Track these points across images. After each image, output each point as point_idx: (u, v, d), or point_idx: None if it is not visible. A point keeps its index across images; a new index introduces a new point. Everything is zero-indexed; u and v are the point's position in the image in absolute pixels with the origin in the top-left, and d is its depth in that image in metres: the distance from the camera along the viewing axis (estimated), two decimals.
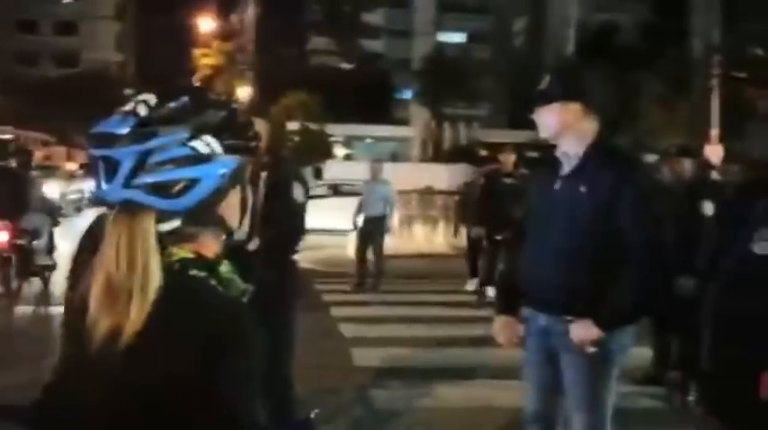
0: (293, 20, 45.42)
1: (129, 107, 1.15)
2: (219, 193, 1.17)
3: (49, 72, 48.78)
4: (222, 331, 1.11)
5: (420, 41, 43.11)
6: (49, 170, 22.71)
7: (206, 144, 1.14)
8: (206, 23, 34.20)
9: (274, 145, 3.56)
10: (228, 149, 1.17)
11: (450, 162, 26.89)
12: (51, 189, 19.83)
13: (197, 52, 37.03)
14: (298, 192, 3.23)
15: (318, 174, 23.43)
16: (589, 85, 2.84)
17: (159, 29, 51.31)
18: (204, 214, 1.17)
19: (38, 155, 28.37)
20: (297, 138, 31.21)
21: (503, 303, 2.99)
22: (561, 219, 2.70)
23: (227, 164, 1.16)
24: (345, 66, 44.00)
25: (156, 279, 1.10)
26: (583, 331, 2.63)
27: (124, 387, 1.10)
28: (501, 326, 2.92)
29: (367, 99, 36.46)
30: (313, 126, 31.14)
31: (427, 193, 17.20)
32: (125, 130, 1.12)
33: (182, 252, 1.16)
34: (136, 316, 1.09)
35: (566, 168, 2.75)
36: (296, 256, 3.46)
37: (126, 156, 1.11)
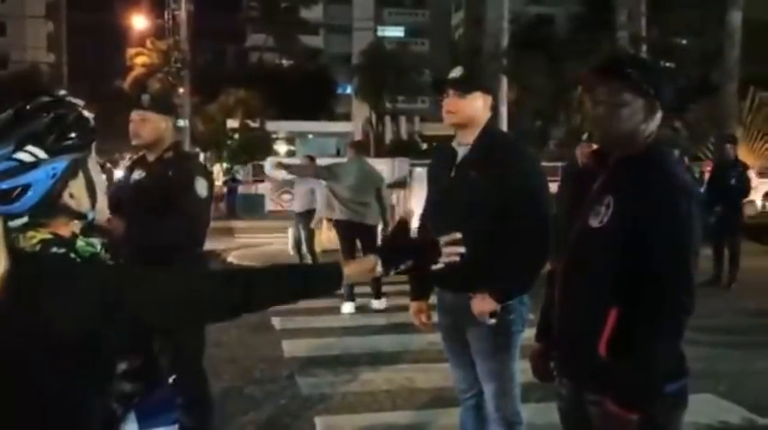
0: (230, 16, 44.95)
1: None
2: (56, 189, 1.32)
3: None
4: (94, 295, 1.23)
5: (359, 36, 43.18)
6: None
7: (30, 154, 1.29)
8: (139, 21, 33.49)
9: (177, 141, 3.66)
10: (59, 150, 1.32)
11: (391, 156, 27.07)
12: None
13: (131, 51, 36.25)
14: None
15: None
16: (490, 79, 3.09)
17: (91, 28, 50.02)
18: (49, 207, 1.32)
19: None
20: (236, 136, 30.90)
21: (415, 290, 3.19)
22: (457, 204, 2.88)
23: (56, 166, 1.32)
24: (285, 62, 43.76)
25: (1, 264, 1.22)
26: (481, 304, 2.81)
27: None
28: (415, 311, 3.15)
29: (308, 95, 36.35)
30: (253, 123, 30.88)
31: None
32: None
33: (40, 235, 1.31)
34: None
35: (460, 156, 2.94)
36: (202, 249, 3.51)
37: None
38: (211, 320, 1.59)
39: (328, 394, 4.90)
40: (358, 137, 37.63)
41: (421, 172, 14.60)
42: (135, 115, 3.43)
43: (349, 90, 42.76)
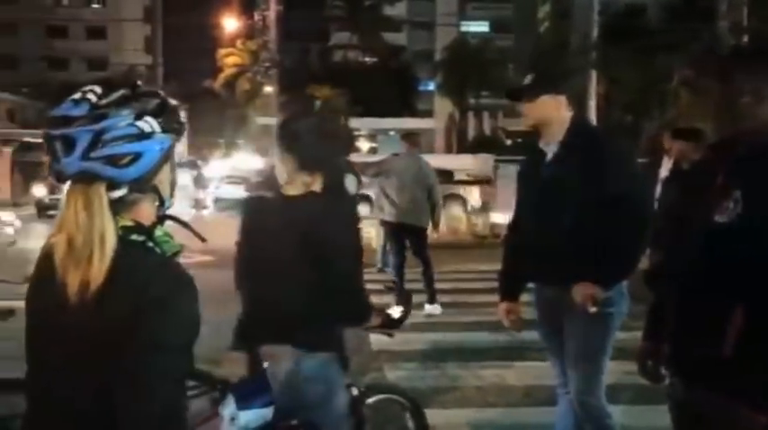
0: (316, 16, 45.67)
1: (78, 95, 1.35)
2: (158, 165, 1.39)
3: (79, 76, 49.73)
4: (151, 287, 1.29)
5: (443, 32, 42.99)
6: None
7: (148, 124, 1.37)
8: (230, 23, 34.52)
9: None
10: (166, 129, 1.40)
11: (474, 152, 26.86)
12: None
13: (222, 52, 37.40)
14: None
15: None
16: (570, 77, 3.11)
17: (185, 30, 51.96)
18: (144, 183, 1.38)
19: None
20: (288, 134, 31.32)
21: (505, 289, 3.24)
22: (553, 201, 2.97)
23: (163, 141, 1.39)
24: (368, 59, 44.12)
25: (112, 238, 1.31)
26: (583, 289, 2.84)
27: (88, 333, 1.29)
28: (504, 311, 3.21)
29: (390, 92, 36.52)
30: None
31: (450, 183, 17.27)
32: (81, 112, 1.33)
33: (122, 221, 1.37)
34: (98, 271, 1.29)
35: (549, 154, 3.02)
36: None
37: (82, 134, 1.32)
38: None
39: (418, 388, 4.90)
40: (440, 133, 37.62)
41: (506, 168, 14.44)
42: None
43: (431, 86, 42.67)
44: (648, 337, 2.16)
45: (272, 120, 28.00)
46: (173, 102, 1.46)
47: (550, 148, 3.02)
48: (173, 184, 1.47)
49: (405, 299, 2.98)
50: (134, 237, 1.36)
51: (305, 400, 2.45)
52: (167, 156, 1.41)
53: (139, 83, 1.46)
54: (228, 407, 2.21)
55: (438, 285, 7.52)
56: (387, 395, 3.22)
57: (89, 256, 1.29)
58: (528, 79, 3.10)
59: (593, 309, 2.84)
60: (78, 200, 1.33)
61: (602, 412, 2.99)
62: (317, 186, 2.50)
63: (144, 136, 1.36)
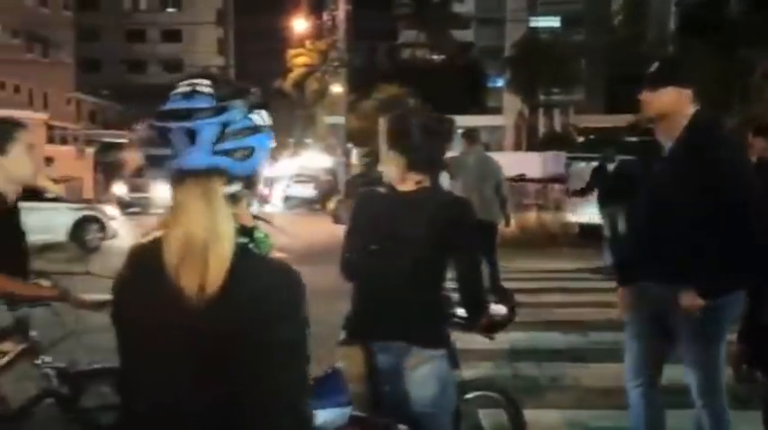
0: (384, 15, 45.85)
1: (186, 89, 1.29)
2: (263, 161, 1.34)
3: (156, 78, 51.53)
4: (273, 292, 1.24)
5: (512, 28, 42.40)
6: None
7: (259, 116, 1.32)
8: (299, 24, 35.05)
9: None
10: (269, 124, 1.35)
11: (545, 150, 26.41)
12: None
13: (291, 52, 38.00)
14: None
15: None
16: (692, 70, 3.01)
17: (256, 32, 53.03)
18: (253, 179, 1.33)
19: None
20: (395, 131, 31.43)
21: (623, 275, 3.22)
22: (665, 197, 2.91)
23: (269, 136, 1.34)
24: (436, 57, 43.96)
25: (231, 239, 1.24)
26: (688, 299, 2.82)
27: (200, 336, 1.22)
28: (622, 297, 3.19)
29: (459, 89, 36.30)
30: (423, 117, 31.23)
31: (521, 182, 17.02)
32: (204, 104, 1.26)
33: None
34: (217, 273, 1.21)
35: (666, 149, 2.95)
36: None
37: (206, 127, 1.25)
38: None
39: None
40: (509, 130, 37.14)
41: (578, 166, 14.13)
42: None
43: (500, 83, 42.17)
44: (743, 340, 2.10)
45: (340, 120, 28.28)
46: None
47: (668, 143, 2.93)
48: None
49: (507, 299, 2.94)
50: (239, 239, 1.28)
51: (415, 397, 2.46)
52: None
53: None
54: None
55: (508, 284, 7.44)
56: (484, 392, 3.21)
57: (208, 257, 1.22)
58: (653, 67, 2.97)
59: (698, 315, 2.82)
60: (197, 196, 1.25)
61: (725, 414, 2.95)
62: (427, 183, 2.51)
63: (257, 129, 1.31)
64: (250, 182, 1.32)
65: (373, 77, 34.48)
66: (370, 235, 2.53)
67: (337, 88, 29.03)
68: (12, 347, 2.87)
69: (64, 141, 31.86)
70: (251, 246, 1.30)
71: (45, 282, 2.94)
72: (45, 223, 11.80)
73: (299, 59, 37.09)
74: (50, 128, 27.55)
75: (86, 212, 13.78)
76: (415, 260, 2.41)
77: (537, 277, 9.62)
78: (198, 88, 1.29)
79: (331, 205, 21.60)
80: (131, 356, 1.33)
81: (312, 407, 2.24)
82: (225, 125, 1.26)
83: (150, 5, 57.63)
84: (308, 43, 36.28)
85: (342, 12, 28.15)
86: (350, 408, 2.37)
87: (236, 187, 1.29)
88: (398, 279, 2.42)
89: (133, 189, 23.62)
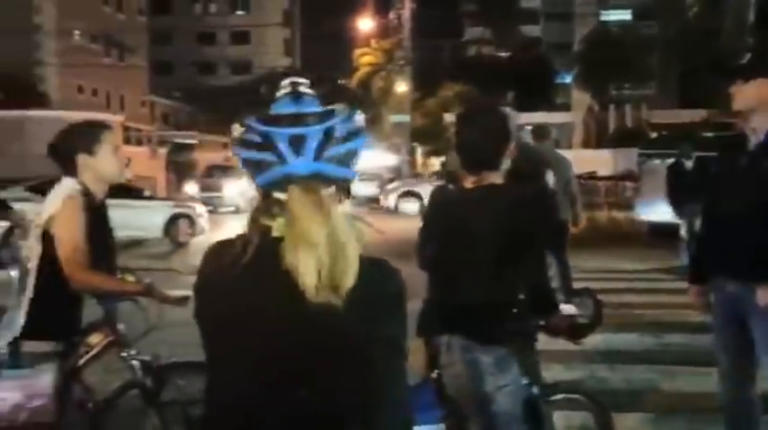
0: (449, 12, 45.65)
1: (288, 90, 1.26)
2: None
3: (226, 80, 52.77)
4: (386, 289, 1.26)
5: (581, 23, 41.56)
6: (229, 170, 24.68)
7: (359, 119, 1.28)
8: (365, 23, 35.27)
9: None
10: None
11: (615, 146, 25.75)
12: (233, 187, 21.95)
13: (357, 52, 38.29)
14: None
15: None
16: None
17: (322, 32, 53.65)
18: (351, 181, 1.30)
19: (218, 156, 31.04)
20: (454, 130, 31.34)
21: (695, 273, 3.18)
22: (748, 193, 2.83)
23: (363, 139, 1.28)
24: (502, 54, 43.50)
25: (355, 244, 1.21)
26: (766, 296, 2.75)
27: (305, 334, 1.22)
28: (695, 294, 3.17)
29: (526, 86, 35.81)
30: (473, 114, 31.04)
31: (591, 179, 16.68)
32: (312, 109, 1.23)
33: None
34: (350, 276, 1.19)
35: (752, 143, 2.87)
36: None
37: (315, 133, 1.22)
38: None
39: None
40: (578, 127, 36.38)
41: (651, 163, 13.69)
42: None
43: (568, 79, 41.38)
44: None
45: (405, 118, 28.34)
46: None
47: (755, 137, 2.86)
48: None
49: (591, 301, 2.85)
50: None
51: (478, 394, 2.45)
52: None
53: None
54: None
55: (579, 284, 7.27)
56: (569, 394, 3.15)
57: (336, 261, 1.19)
58: (744, 59, 2.93)
59: None
60: (310, 202, 1.21)
61: None
62: (497, 179, 2.50)
63: (358, 132, 1.26)
64: (345, 182, 1.29)
65: (438, 75, 34.40)
66: (441, 231, 2.56)
67: (402, 87, 29.08)
68: (99, 340, 3.00)
69: (138, 142, 33.02)
70: None
71: (130, 278, 3.05)
72: (141, 220, 12.43)
73: (365, 59, 37.33)
74: (126, 129, 28.61)
75: (178, 209, 14.44)
76: (478, 258, 2.40)
77: (608, 277, 9.40)
78: (301, 89, 1.26)
79: (389, 201, 21.72)
80: (219, 352, 1.31)
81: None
82: (330, 130, 1.23)
83: (220, 8, 59.08)
84: (373, 42, 36.48)
85: (407, 10, 28.17)
86: (443, 426, 2.35)
87: (331, 189, 1.26)
88: (463, 275, 2.42)
89: (204, 188, 24.31)
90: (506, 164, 2.53)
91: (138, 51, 42.71)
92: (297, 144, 1.22)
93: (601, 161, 19.61)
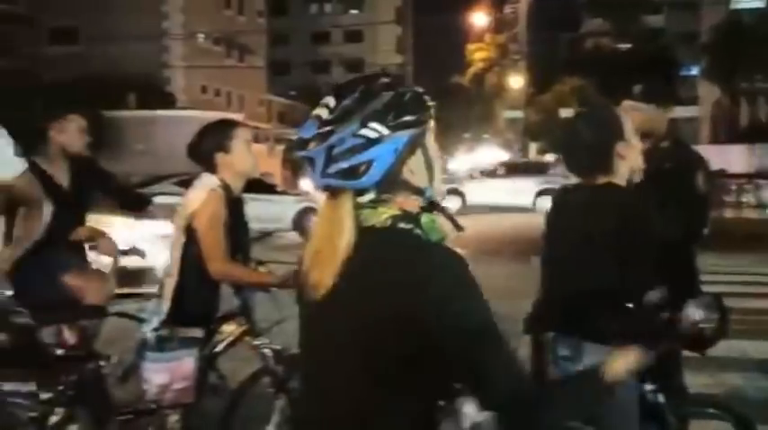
0: (568, 3, 44.35)
1: (317, 111, 1.41)
2: (397, 164, 1.38)
3: (339, 78, 53.79)
4: (428, 270, 1.32)
5: (709, 12, 39.24)
6: None
7: (373, 130, 1.36)
8: (479, 18, 34.94)
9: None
10: (398, 126, 1.38)
11: (747, 142, 24.16)
12: None
13: (470, 47, 38.00)
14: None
15: None
16: None
17: (434, 28, 53.66)
18: (389, 183, 1.39)
19: None
20: (564, 131, 30.46)
21: None
22: None
23: (396, 142, 1.37)
24: (622, 45, 41.80)
25: (346, 239, 1.37)
26: None
27: (335, 323, 1.37)
28: None
29: (647, 80, 34.20)
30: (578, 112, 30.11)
31: (720, 177, 15.75)
32: (312, 133, 1.39)
33: (390, 210, 1.40)
34: (331, 266, 1.37)
35: None
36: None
37: (317, 154, 1.39)
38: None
39: None
40: (706, 122, 34.43)
41: None
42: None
43: (694, 71, 39.21)
44: None
45: (519, 114, 27.88)
46: (411, 91, 1.42)
47: None
48: (431, 171, 1.44)
49: (717, 307, 2.65)
50: (402, 224, 1.39)
51: None
52: (408, 150, 1.39)
53: (387, 78, 1.44)
54: (466, 407, 2.12)
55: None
56: (703, 408, 2.97)
57: (325, 258, 1.37)
58: None
59: None
60: (327, 209, 1.41)
61: None
62: (616, 178, 2.41)
63: (371, 143, 1.36)
64: (387, 185, 1.39)
65: (554, 70, 33.54)
66: (554, 229, 2.53)
67: (516, 82, 28.59)
68: (234, 328, 3.15)
69: (256, 140, 34.35)
70: (417, 232, 1.39)
71: (263, 269, 3.18)
72: (273, 213, 13.10)
73: (478, 54, 37.00)
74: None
75: (306, 204, 15.11)
76: (586, 258, 2.32)
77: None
78: (320, 111, 1.40)
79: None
80: (303, 342, 1.49)
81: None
82: (331, 149, 1.37)
83: (334, 8, 60.41)
84: (487, 37, 36.08)
85: (524, 3, 27.65)
86: None
87: (370, 195, 1.39)
88: (576, 273, 2.36)
89: None
90: (625, 166, 2.41)
91: (257, 52, 44.36)
92: (309, 163, 1.41)
93: (731, 157, 18.46)
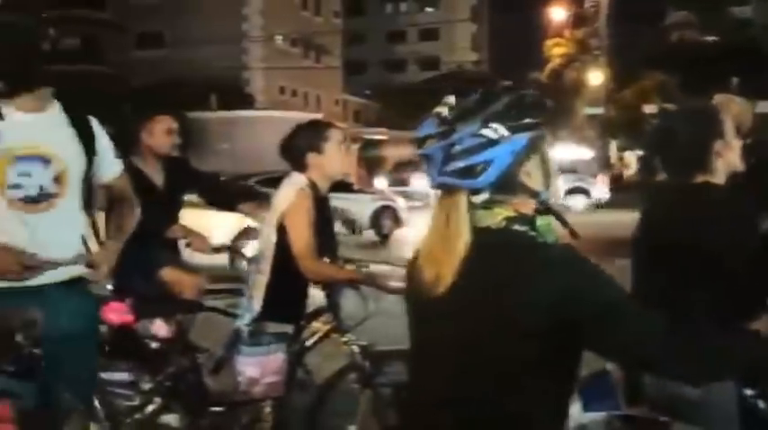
0: None
1: (437, 110, 1.43)
2: (514, 166, 1.39)
3: (414, 76, 53.92)
4: (547, 269, 1.34)
5: None
6: (417, 165, 25.23)
7: (494, 130, 1.38)
8: (557, 13, 34.27)
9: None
10: (517, 128, 1.39)
11: None
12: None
13: (548, 42, 37.28)
14: None
15: None
16: None
17: (511, 25, 52.98)
18: (505, 185, 1.40)
19: (407, 152, 31.84)
20: (653, 122, 29.57)
21: None
22: None
23: (515, 143, 1.39)
24: (708, 38, 40.10)
25: (463, 238, 1.39)
26: None
27: (454, 319, 1.39)
28: None
29: (736, 73, 32.74)
30: (672, 109, 29.14)
31: None
32: (432, 132, 1.42)
33: (505, 212, 1.41)
34: (449, 266, 1.39)
35: None
36: None
37: (435, 152, 1.41)
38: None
39: None
40: None
41: None
42: None
43: None
44: None
45: (599, 110, 27.19)
46: (531, 94, 1.44)
47: None
48: (547, 174, 1.46)
49: None
50: (517, 226, 1.41)
51: (683, 395, 2.30)
52: (526, 153, 1.41)
53: (503, 82, 1.50)
54: (573, 407, 2.10)
55: None
56: None
57: (442, 256, 1.40)
58: None
59: None
60: (442, 206, 1.44)
61: None
62: (714, 177, 2.32)
63: (491, 143, 1.38)
64: (503, 187, 1.40)
65: (636, 64, 32.54)
66: (646, 229, 2.42)
67: (596, 77, 27.90)
68: (322, 325, 3.21)
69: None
70: (532, 233, 1.41)
71: (349, 267, 3.23)
72: (351, 212, 13.31)
73: (557, 50, 36.23)
74: None
75: (383, 203, 15.28)
76: (691, 268, 2.20)
77: None
78: (440, 109, 1.43)
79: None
80: (415, 334, 1.53)
81: (584, 410, 2.17)
82: (450, 147, 1.39)
83: (410, 7, 60.50)
84: (566, 32, 35.32)
85: None
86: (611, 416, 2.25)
87: (484, 195, 1.40)
88: (666, 273, 2.26)
89: (393, 183, 25.12)
90: (723, 164, 2.30)
91: (333, 52, 44.91)
92: (428, 161, 1.44)
93: None
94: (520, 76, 45.29)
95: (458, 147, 1.39)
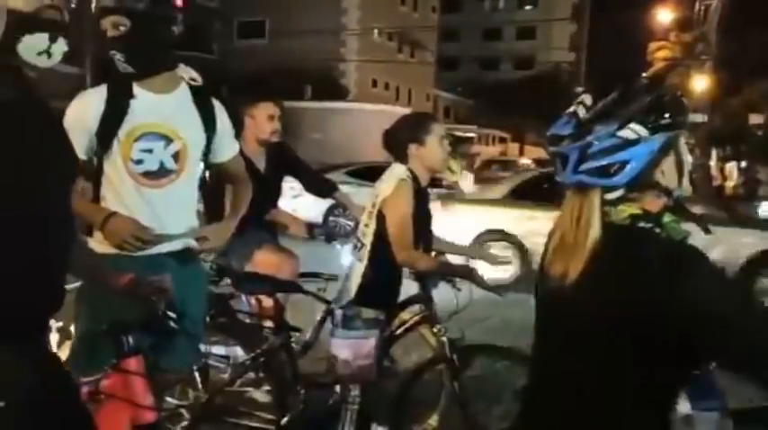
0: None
1: (572, 109, 1.45)
2: (650, 165, 1.40)
3: (508, 75, 53.20)
4: (670, 266, 1.34)
5: None
6: (505, 164, 24.92)
7: (632, 131, 1.38)
8: (664, 15, 32.96)
9: None
10: (656, 128, 1.39)
11: None
12: None
13: (652, 45, 35.92)
14: None
15: None
16: None
17: (614, 26, 51.37)
18: (641, 182, 1.41)
19: (495, 150, 31.47)
20: (760, 133, 28.06)
21: None
22: None
23: (652, 143, 1.40)
24: None
25: (594, 234, 1.41)
26: None
27: (579, 313, 1.42)
28: None
29: None
30: None
31: None
32: (568, 131, 1.43)
33: (630, 209, 1.43)
34: (578, 260, 1.41)
35: None
36: None
37: (571, 151, 1.43)
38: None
39: None
40: None
41: None
42: None
43: None
44: None
45: (702, 118, 26.03)
46: (670, 94, 1.43)
47: None
48: (681, 172, 1.46)
49: None
50: (642, 224, 1.42)
51: None
52: (663, 152, 1.41)
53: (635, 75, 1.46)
54: (682, 404, 2.07)
55: None
56: None
57: (572, 251, 1.42)
58: None
59: None
60: (574, 204, 1.45)
61: None
62: None
63: (629, 143, 1.39)
64: (636, 186, 1.42)
65: (745, 72, 30.94)
66: None
67: (701, 83, 26.70)
68: (413, 314, 3.25)
69: None
70: (657, 230, 1.42)
71: (443, 259, 3.25)
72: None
73: (661, 53, 34.83)
74: None
75: None
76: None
77: None
78: (577, 109, 1.44)
79: None
80: (542, 322, 1.56)
81: (693, 408, 2.13)
82: (586, 147, 1.41)
83: (508, 5, 59.70)
84: (672, 35, 33.93)
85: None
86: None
87: (618, 193, 1.42)
88: None
89: (480, 181, 24.85)
90: None
91: (428, 48, 44.89)
92: (561, 159, 1.45)
93: None
94: (617, 79, 43.89)
95: (595, 147, 1.41)
